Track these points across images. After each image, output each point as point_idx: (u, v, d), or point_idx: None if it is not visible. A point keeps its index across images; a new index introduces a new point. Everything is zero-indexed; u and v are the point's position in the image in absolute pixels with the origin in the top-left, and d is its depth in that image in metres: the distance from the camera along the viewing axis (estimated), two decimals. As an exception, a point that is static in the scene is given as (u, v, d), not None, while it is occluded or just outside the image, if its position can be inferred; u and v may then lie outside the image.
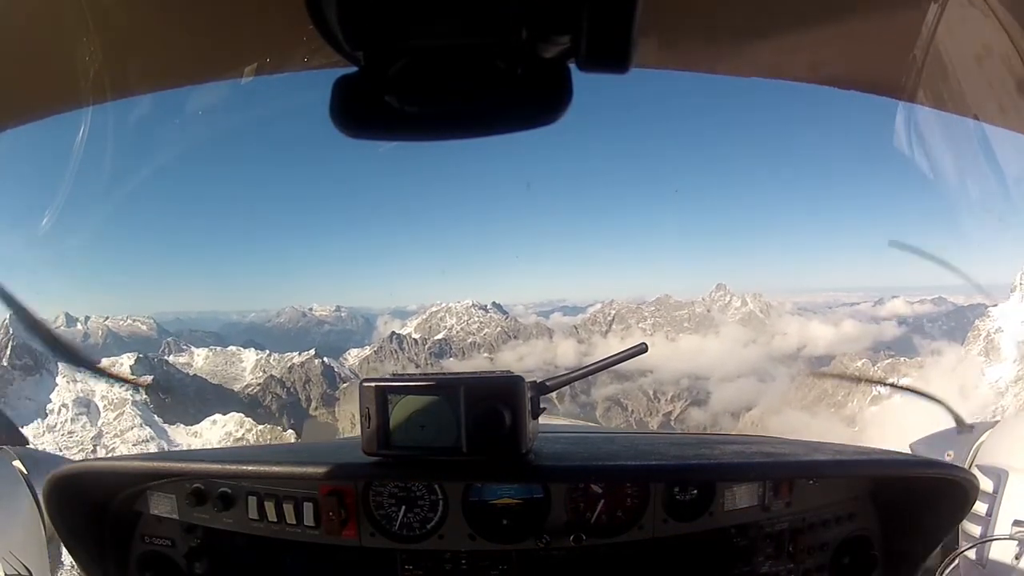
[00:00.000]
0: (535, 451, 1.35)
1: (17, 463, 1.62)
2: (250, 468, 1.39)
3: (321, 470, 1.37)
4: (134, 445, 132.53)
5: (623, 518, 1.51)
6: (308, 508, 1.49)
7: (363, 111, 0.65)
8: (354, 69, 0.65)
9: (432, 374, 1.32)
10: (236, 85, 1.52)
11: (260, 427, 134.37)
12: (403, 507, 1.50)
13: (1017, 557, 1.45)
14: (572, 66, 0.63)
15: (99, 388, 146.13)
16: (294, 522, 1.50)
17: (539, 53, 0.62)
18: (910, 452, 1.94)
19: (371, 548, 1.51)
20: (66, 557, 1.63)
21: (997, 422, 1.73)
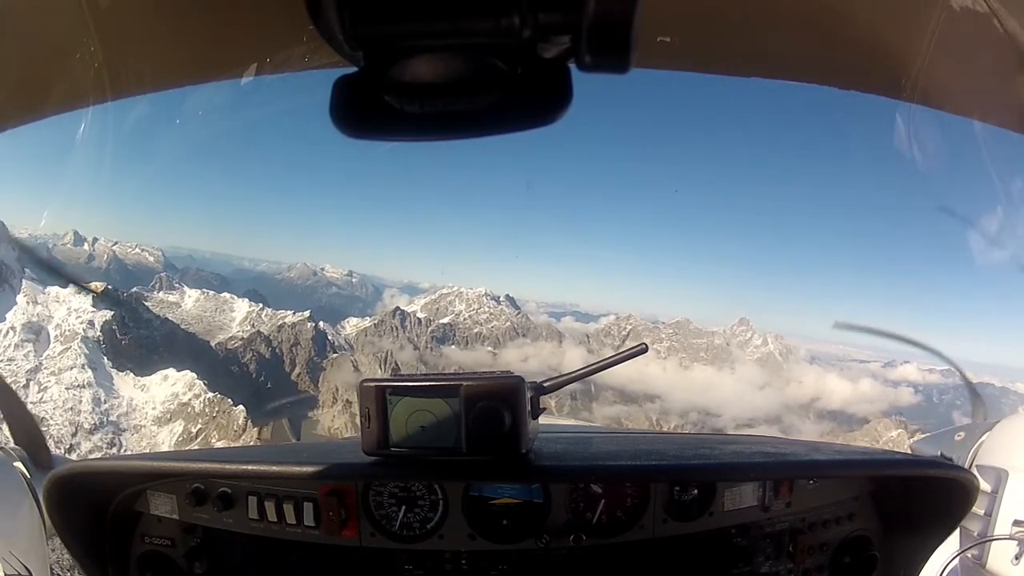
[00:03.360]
0: (535, 451, 1.35)
1: (18, 463, 1.62)
2: (250, 468, 1.39)
3: (321, 470, 1.37)
4: (67, 388, 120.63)
5: (623, 518, 1.51)
6: (308, 508, 1.49)
7: (363, 111, 0.65)
8: (354, 69, 0.65)
9: (432, 374, 1.32)
10: (257, 77, 1.52)
11: (210, 395, 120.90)
12: (403, 507, 1.50)
13: (1017, 557, 1.45)
14: (572, 66, 0.63)
15: (58, 316, 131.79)
16: (294, 522, 1.50)
17: (539, 53, 0.62)
18: (910, 452, 1.94)
19: (371, 548, 1.51)
20: (66, 557, 1.63)
21: (997, 422, 1.73)
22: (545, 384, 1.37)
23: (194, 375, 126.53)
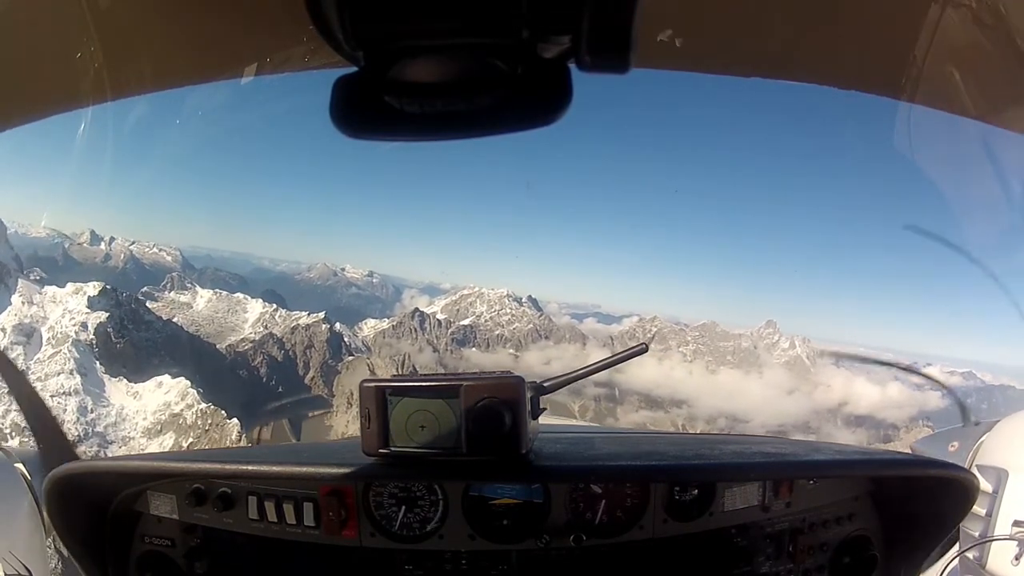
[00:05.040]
0: (535, 451, 1.35)
1: (18, 464, 1.62)
2: (250, 468, 1.39)
3: (321, 470, 1.37)
4: (52, 396, 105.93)
5: (623, 518, 1.51)
6: (308, 508, 1.49)
7: (363, 111, 0.65)
8: (354, 69, 0.65)
9: (432, 375, 1.32)
10: (280, 74, 1.51)
11: (202, 406, 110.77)
12: (403, 507, 1.50)
13: (1017, 557, 1.45)
14: (572, 66, 0.63)
15: (53, 316, 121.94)
16: (294, 522, 1.50)
17: (539, 53, 0.62)
18: (910, 452, 1.94)
19: (371, 548, 1.51)
20: (66, 557, 1.63)
21: (997, 422, 1.73)
22: (545, 384, 1.37)
23: (188, 383, 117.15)
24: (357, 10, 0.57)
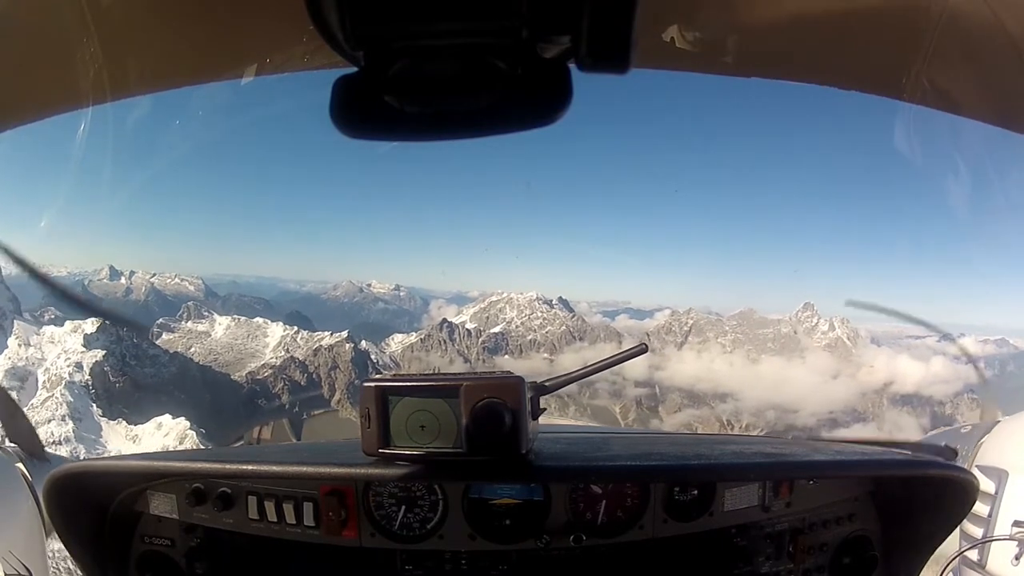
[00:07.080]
0: (535, 451, 1.35)
1: (18, 464, 1.62)
2: (250, 468, 1.39)
3: (321, 470, 1.37)
4: (45, 446, 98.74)
5: (623, 518, 1.51)
6: (308, 508, 1.49)
7: (363, 111, 0.66)
8: (354, 69, 0.65)
9: (432, 374, 1.32)
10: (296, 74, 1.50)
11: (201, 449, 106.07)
12: (403, 507, 1.50)
13: (1017, 557, 1.45)
14: (572, 66, 0.63)
15: (49, 358, 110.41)
16: (294, 522, 1.50)
17: (539, 53, 0.62)
18: (910, 452, 1.94)
19: (371, 548, 1.51)
20: (66, 557, 1.63)
21: (997, 423, 1.73)
22: (546, 384, 1.37)
23: (188, 424, 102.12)
24: (357, 10, 0.58)
